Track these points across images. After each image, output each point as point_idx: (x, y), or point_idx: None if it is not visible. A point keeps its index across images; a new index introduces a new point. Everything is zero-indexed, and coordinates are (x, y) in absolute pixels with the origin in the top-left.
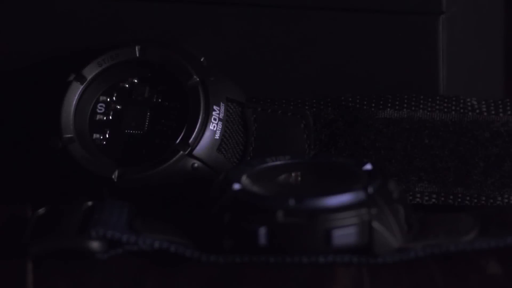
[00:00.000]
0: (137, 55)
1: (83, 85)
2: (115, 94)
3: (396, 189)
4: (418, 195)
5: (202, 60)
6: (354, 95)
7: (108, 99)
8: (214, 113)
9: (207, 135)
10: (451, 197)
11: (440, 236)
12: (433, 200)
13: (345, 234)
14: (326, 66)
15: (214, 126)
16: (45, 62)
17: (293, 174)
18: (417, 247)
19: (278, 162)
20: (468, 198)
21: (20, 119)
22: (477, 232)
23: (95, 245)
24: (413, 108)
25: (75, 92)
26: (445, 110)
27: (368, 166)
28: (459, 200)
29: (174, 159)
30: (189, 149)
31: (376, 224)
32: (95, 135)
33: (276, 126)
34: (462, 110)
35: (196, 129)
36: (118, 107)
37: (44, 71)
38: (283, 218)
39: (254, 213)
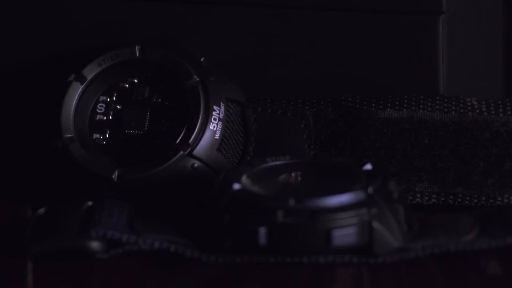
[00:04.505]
0: (137, 55)
1: (83, 85)
2: (115, 94)
3: (396, 189)
4: (418, 195)
5: (202, 60)
6: (354, 95)
7: (108, 99)
8: (214, 113)
9: (207, 135)
10: (451, 197)
11: (440, 236)
12: (433, 200)
13: (345, 234)
14: (326, 66)
15: (214, 126)
16: (45, 62)
17: (293, 174)
18: (417, 247)
19: (278, 162)
20: (468, 198)
21: (20, 119)
22: (477, 232)
23: (95, 245)
24: (413, 108)
25: (75, 92)
26: (445, 110)
27: (368, 166)
28: (459, 200)
29: (174, 159)
30: (189, 149)
31: (376, 224)
32: (95, 135)
33: (276, 126)
34: (462, 110)
35: (196, 129)
36: (118, 107)
37: (44, 71)
38: (283, 218)
39: (254, 213)
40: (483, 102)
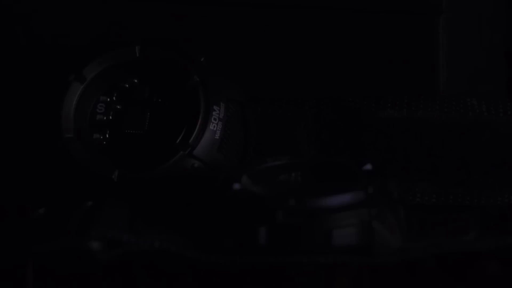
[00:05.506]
0: (137, 55)
1: (83, 85)
2: (115, 94)
3: (396, 189)
4: (418, 195)
5: (202, 60)
6: (354, 95)
7: (108, 99)
8: (214, 113)
9: (207, 135)
10: (451, 197)
11: (440, 236)
12: (433, 200)
13: (345, 234)
14: (326, 66)
15: (214, 126)
16: (45, 62)
17: (293, 174)
18: (417, 247)
19: (278, 162)
20: (468, 198)
21: (20, 119)
22: (477, 232)
23: (95, 245)
24: (413, 108)
25: (75, 92)
26: (445, 110)
27: (368, 166)
28: (459, 200)
29: (174, 159)
30: (189, 149)
31: (376, 224)
32: (95, 135)
33: (276, 126)
34: (462, 110)
35: (196, 129)
36: (118, 107)
37: (44, 71)
38: (283, 218)
39: (254, 213)
40: (483, 102)
